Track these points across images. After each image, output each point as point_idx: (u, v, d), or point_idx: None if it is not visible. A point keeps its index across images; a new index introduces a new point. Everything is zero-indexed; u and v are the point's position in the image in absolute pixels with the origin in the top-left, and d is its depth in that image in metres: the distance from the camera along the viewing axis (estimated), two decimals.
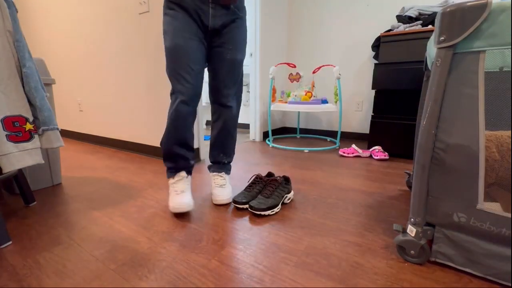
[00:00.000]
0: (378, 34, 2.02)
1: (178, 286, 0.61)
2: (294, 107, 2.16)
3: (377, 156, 1.78)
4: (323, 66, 2.36)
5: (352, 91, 2.50)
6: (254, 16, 2.27)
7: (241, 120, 3.33)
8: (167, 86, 1.12)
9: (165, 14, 0.96)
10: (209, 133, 3.14)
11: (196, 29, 0.95)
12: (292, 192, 1.12)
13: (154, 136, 1.79)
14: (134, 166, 1.62)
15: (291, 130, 2.94)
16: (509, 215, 0.56)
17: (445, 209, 0.63)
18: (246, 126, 3.12)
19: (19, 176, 1.01)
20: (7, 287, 0.62)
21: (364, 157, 1.85)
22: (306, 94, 2.24)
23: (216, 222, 0.93)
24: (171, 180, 1.04)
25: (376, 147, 1.84)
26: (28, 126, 0.87)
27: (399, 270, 0.67)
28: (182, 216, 0.97)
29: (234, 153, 1.19)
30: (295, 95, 2.30)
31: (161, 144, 1.03)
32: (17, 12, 0.84)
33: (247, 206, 1.00)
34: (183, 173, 1.04)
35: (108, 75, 2.01)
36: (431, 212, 0.66)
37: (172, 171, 1.04)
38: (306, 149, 2.07)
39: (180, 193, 0.99)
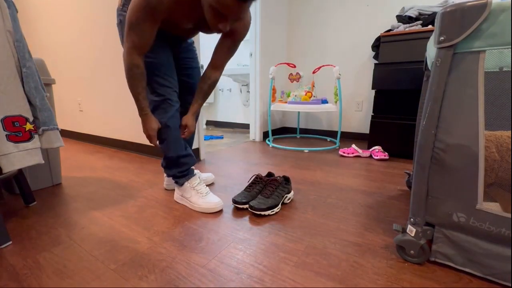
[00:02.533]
0: (378, 34, 2.02)
1: (178, 286, 0.61)
2: (294, 107, 2.16)
3: (377, 156, 1.78)
4: (323, 66, 2.36)
5: (352, 91, 2.50)
6: (254, 16, 2.27)
7: (241, 120, 3.33)
8: None
9: None
10: (209, 133, 3.14)
11: None
12: (292, 192, 1.12)
13: None
14: (134, 166, 1.62)
15: (291, 130, 2.94)
16: (508, 215, 0.56)
17: (444, 209, 0.63)
18: (246, 126, 3.12)
19: (19, 176, 1.01)
20: (7, 287, 0.62)
21: (364, 157, 1.85)
22: (306, 94, 2.24)
23: (216, 222, 0.93)
24: (188, 184, 1.06)
25: (376, 147, 1.84)
26: (28, 126, 0.87)
27: (399, 270, 0.67)
28: (182, 216, 0.97)
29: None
30: (295, 95, 2.30)
31: (167, 158, 1.06)
32: (17, 12, 0.84)
33: (247, 206, 1.00)
34: (196, 177, 1.09)
35: (108, 75, 2.01)
36: (431, 212, 0.66)
37: (184, 173, 1.07)
38: (306, 149, 2.07)
39: (206, 194, 1.04)
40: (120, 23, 0.96)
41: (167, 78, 1.01)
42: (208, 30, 0.97)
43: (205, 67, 1.12)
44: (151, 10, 0.82)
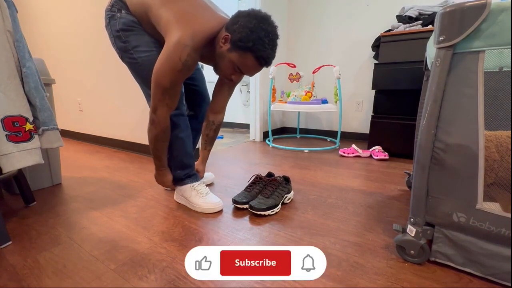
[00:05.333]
0: (378, 34, 2.02)
1: (178, 286, 0.61)
2: (294, 107, 2.16)
3: (377, 156, 1.78)
4: (323, 66, 2.36)
5: (352, 91, 2.50)
6: None
7: (241, 120, 3.33)
8: None
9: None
10: None
11: None
12: (292, 192, 1.12)
13: None
14: (134, 166, 1.62)
15: (291, 130, 2.94)
16: (508, 215, 0.56)
17: (444, 209, 0.63)
18: (246, 126, 3.11)
19: (19, 176, 1.01)
20: (7, 287, 0.62)
21: (364, 157, 1.85)
22: (306, 94, 2.24)
23: (216, 222, 0.93)
24: (189, 185, 1.05)
25: (376, 147, 1.84)
26: (28, 126, 0.87)
27: (399, 270, 0.67)
28: (182, 216, 0.97)
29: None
30: (295, 95, 2.30)
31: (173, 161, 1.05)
32: (17, 12, 0.84)
33: (247, 206, 1.00)
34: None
35: (108, 74, 2.01)
36: (431, 212, 0.66)
37: (191, 175, 1.07)
38: (306, 149, 2.07)
39: (206, 194, 1.03)
40: (109, 24, 0.91)
41: None
42: (213, 66, 0.95)
43: (204, 67, 1.12)
44: (187, 71, 0.81)
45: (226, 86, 1.10)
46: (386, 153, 1.78)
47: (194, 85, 1.14)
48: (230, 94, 1.14)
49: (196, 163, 1.19)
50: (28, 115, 0.87)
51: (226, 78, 0.91)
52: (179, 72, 0.79)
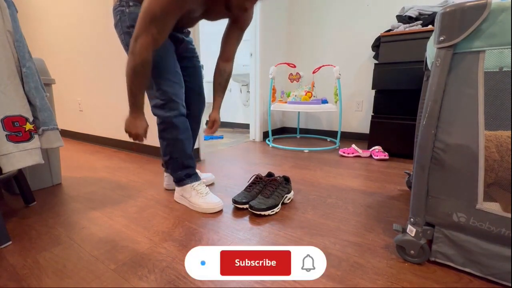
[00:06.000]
0: (378, 34, 2.02)
1: (178, 286, 0.61)
2: (294, 107, 2.16)
3: (377, 156, 1.78)
4: (323, 66, 2.35)
5: (352, 91, 2.50)
6: (254, 16, 2.26)
7: (241, 120, 3.33)
8: None
9: None
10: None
11: None
12: (292, 192, 1.12)
13: (154, 136, 1.78)
14: (134, 166, 1.62)
15: (291, 130, 2.94)
16: (508, 215, 0.56)
17: (444, 209, 0.63)
18: (246, 126, 3.11)
19: (19, 176, 1.01)
20: (7, 287, 0.62)
21: (364, 157, 1.84)
22: (306, 94, 2.24)
23: (216, 222, 0.93)
24: (189, 185, 1.05)
25: (376, 147, 1.84)
26: (28, 126, 0.87)
27: (399, 270, 0.67)
28: (182, 216, 0.97)
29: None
30: (295, 95, 2.30)
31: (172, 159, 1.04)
32: (17, 12, 0.84)
33: (247, 206, 1.00)
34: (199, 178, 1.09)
35: (108, 74, 2.01)
36: (431, 212, 0.66)
37: (192, 175, 1.07)
38: (306, 149, 2.07)
39: (206, 194, 1.03)
40: (120, 20, 0.91)
41: (175, 74, 0.99)
42: (215, 15, 0.93)
43: (204, 67, 1.11)
44: (182, 2, 0.77)
45: (235, 33, 1.07)
46: (386, 153, 1.78)
47: (188, 82, 1.12)
48: (239, 42, 1.11)
49: (211, 114, 1.16)
50: (28, 115, 0.87)
51: (240, 8, 0.86)
52: (174, 1, 0.75)
